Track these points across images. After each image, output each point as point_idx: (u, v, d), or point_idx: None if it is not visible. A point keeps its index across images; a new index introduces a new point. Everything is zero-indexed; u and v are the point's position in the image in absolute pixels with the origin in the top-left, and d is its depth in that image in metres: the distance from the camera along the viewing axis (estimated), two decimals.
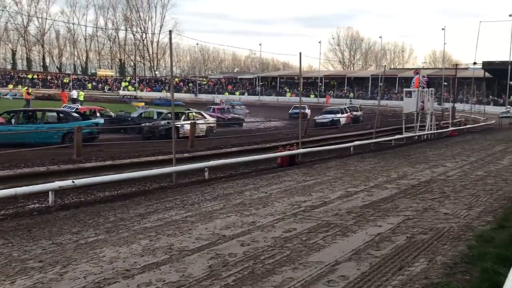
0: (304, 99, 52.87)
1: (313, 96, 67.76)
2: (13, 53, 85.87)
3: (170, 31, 9.50)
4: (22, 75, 75.43)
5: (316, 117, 30.58)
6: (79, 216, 6.93)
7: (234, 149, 13.66)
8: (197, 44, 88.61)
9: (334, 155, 15.08)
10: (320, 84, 71.93)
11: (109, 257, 5.01)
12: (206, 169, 10.57)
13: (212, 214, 7.03)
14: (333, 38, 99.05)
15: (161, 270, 4.63)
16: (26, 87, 46.03)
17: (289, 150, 13.26)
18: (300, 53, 14.34)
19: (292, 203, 7.78)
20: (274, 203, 7.75)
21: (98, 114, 21.51)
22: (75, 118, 16.92)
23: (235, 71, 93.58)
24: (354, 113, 33.53)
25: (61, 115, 17.57)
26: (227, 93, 69.70)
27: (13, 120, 16.37)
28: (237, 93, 70.49)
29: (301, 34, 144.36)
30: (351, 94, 66.54)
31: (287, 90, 71.10)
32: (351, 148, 15.84)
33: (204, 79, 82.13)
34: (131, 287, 4.22)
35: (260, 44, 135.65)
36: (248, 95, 70.11)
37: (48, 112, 17.86)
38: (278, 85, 74.55)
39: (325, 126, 27.26)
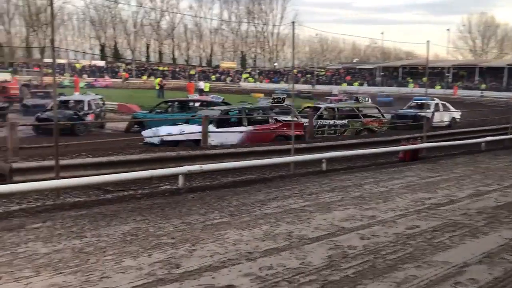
0: (429, 90, 49.78)
1: (439, 87, 63.50)
2: (147, 47, 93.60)
3: (293, 22, 9.62)
4: (155, 67, 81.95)
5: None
6: (205, 199, 7.41)
7: (352, 141, 13.40)
8: (316, 34, 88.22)
9: (462, 151, 14.03)
10: (448, 74, 67.15)
11: (233, 239, 5.28)
12: (323, 160, 10.55)
13: (330, 205, 7.03)
14: (463, 25, 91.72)
15: (281, 256, 4.77)
16: (158, 78, 49.97)
17: (412, 143, 12.65)
18: (428, 41, 13.55)
19: (415, 199, 7.44)
20: (395, 198, 7.49)
21: None
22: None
23: (354, 61, 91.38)
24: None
25: (208, 105, 18.79)
26: (345, 84, 68.41)
27: (169, 109, 18.12)
28: (356, 83, 68.83)
29: (426, 21, 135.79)
30: (483, 85, 61.10)
31: (410, 80, 67.64)
32: (482, 144, 14.60)
33: (322, 70, 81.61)
34: (254, 269, 4.41)
35: (382, 33, 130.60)
36: (368, 86, 68.10)
37: (197, 102, 19.21)
38: (400, 75, 71.25)
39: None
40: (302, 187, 8.39)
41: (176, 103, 19.04)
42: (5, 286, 3.95)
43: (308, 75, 75.67)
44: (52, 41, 7.16)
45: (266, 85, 68.84)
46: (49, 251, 4.82)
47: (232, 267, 4.45)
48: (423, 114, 18.42)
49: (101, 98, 21.08)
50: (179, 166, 8.49)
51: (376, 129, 16.60)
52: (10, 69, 51.60)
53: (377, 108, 18.22)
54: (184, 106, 18.53)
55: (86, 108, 17.97)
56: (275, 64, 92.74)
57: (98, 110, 19.12)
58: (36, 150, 9.61)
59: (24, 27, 79.96)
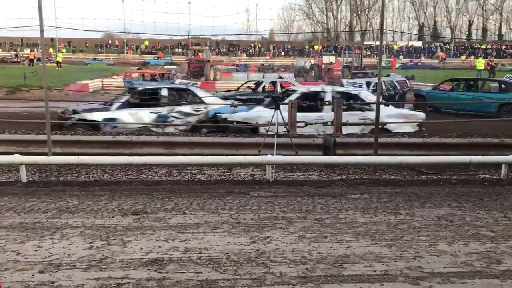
0: None
1: None
2: (469, 24, 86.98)
3: None
4: (476, 46, 75.63)
5: None
6: None
7: None
8: None
9: None
10: None
11: None
12: None
13: None
14: None
15: None
16: (481, 58, 45.91)
17: None
18: None
19: None
20: None
21: None
22: None
23: None
24: None
25: (502, 85, 16.76)
26: None
27: (461, 88, 17.05)
28: None
29: None
30: None
31: None
32: None
33: None
34: None
35: None
36: None
37: (489, 82, 17.68)
38: None
39: None
40: None
41: (464, 81, 17.46)
42: (330, 245, 4.50)
43: None
44: (382, 24, 7.50)
45: None
46: (366, 221, 5.20)
47: None
48: None
49: (403, 81, 20.60)
50: (502, 155, 7.69)
51: None
52: (333, 52, 57.08)
53: None
54: (472, 85, 16.93)
55: (371, 90, 17.34)
56: None
57: (392, 92, 18.07)
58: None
59: (348, 13, 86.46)
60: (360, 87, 16.98)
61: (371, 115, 9.59)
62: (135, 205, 5.72)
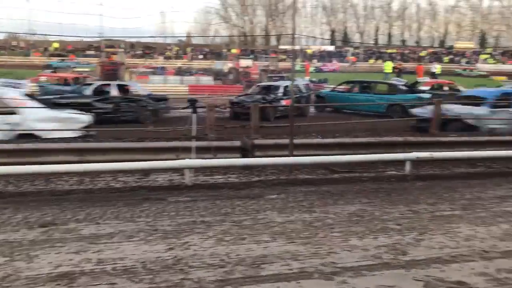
0: None
1: None
2: (376, 30, 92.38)
3: None
4: (382, 50, 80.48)
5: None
6: (434, 188, 7.03)
7: None
8: None
9: None
10: None
11: (466, 234, 4.91)
12: None
13: None
14: None
15: None
16: (389, 62, 48.92)
17: None
18: None
19: None
20: None
21: (445, 88, 20.92)
22: (402, 91, 17.37)
23: None
24: None
25: (390, 87, 18.31)
26: None
27: (356, 90, 18.17)
28: None
29: None
30: None
31: None
32: None
33: None
34: (490, 269, 4.03)
35: None
36: None
37: (380, 84, 18.95)
38: None
39: None
40: None
41: (359, 84, 18.73)
42: (248, 246, 4.53)
43: None
44: (293, 29, 7.71)
45: (509, 67, 60.47)
46: (283, 221, 5.31)
47: (464, 264, 4.15)
48: None
49: (307, 84, 21.42)
50: (407, 152, 8.24)
51: None
52: (251, 56, 57.91)
53: None
54: (367, 87, 18.09)
55: (280, 93, 17.02)
56: None
57: (299, 95, 17.67)
58: (273, 129, 10.60)
59: (264, 17, 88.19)
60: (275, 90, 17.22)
61: (15, 118, 9.15)
62: (43, 217, 5.37)
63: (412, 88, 18.92)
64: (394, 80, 24.31)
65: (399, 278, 3.85)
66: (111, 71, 33.34)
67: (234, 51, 68.69)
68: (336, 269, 4.01)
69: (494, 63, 65.82)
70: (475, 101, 12.49)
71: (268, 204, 6.04)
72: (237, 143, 8.73)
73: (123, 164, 7.04)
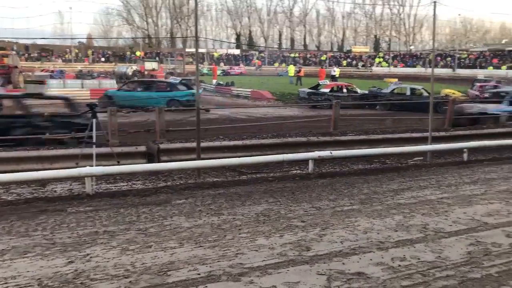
0: None
1: None
2: (280, 34, 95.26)
3: (435, 2, 8.98)
4: (286, 54, 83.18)
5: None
6: (335, 185, 7.39)
7: (499, 130, 12.19)
8: (459, 14, 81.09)
9: None
10: None
11: (364, 227, 5.21)
12: (465, 150, 9.77)
13: (471, 198, 6.53)
14: None
15: (415, 248, 4.58)
16: (292, 66, 50.69)
17: None
18: None
19: None
20: None
21: (344, 90, 22.70)
22: (177, 89, 20.35)
23: (502, 42, 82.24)
24: None
25: (167, 85, 21.22)
26: (491, 67, 62.03)
27: (139, 88, 20.46)
28: (504, 67, 61.98)
29: None
30: None
31: None
32: None
33: (465, 52, 74.98)
34: (385, 259, 4.31)
35: None
36: None
37: (159, 83, 22.38)
38: None
39: None
40: (440, 178, 7.90)
41: (141, 83, 22.03)
42: (154, 254, 4.42)
43: (449, 58, 70.19)
44: (196, 31, 7.68)
45: (401, 69, 65.59)
46: (191, 226, 5.26)
47: (363, 255, 4.40)
48: None
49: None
50: (309, 152, 8.59)
51: None
52: (157, 59, 56.76)
53: None
54: (149, 86, 20.86)
55: None
56: (411, 47, 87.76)
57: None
58: (180, 133, 10.45)
59: (169, 20, 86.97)
60: None
61: None
62: None
63: (188, 85, 21.82)
64: (172, 79, 28.35)
65: (303, 274, 3.98)
66: (3, 75, 30.81)
67: (138, 53, 66.87)
68: (243, 269, 4.05)
69: (386, 66, 70.94)
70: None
71: (176, 209, 5.94)
72: (142, 148, 8.50)
73: (14, 175, 6.53)
